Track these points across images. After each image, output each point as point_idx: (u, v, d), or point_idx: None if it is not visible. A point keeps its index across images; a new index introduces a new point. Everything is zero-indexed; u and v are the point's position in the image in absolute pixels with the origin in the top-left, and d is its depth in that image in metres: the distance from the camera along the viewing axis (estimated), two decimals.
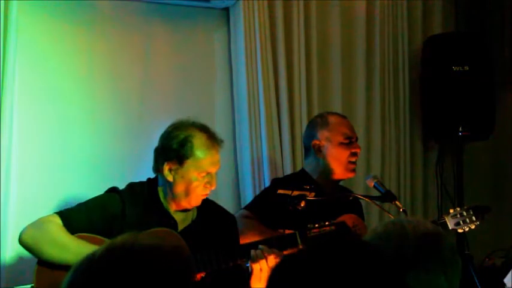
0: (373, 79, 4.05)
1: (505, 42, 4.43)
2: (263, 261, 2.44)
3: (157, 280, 1.18)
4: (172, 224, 2.57)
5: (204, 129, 2.56)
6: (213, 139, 2.55)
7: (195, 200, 2.56)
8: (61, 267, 2.32)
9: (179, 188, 2.53)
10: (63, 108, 3.23)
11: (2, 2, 2.96)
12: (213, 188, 2.56)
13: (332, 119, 3.06)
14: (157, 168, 2.57)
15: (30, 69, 3.13)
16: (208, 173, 2.53)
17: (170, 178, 2.52)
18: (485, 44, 4.11)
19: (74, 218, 2.46)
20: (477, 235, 2.90)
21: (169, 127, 2.60)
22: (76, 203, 2.57)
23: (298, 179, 3.05)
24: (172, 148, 2.51)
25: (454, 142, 4.08)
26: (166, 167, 2.52)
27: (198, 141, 2.51)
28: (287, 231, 2.67)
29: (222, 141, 2.60)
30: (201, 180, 2.51)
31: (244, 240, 2.71)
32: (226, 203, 3.34)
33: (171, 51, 3.54)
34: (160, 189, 2.59)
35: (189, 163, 2.50)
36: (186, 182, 2.51)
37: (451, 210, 2.85)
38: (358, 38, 4.00)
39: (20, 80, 3.06)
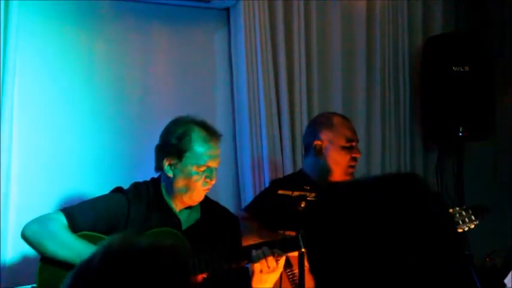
0: (373, 79, 4.04)
1: (505, 42, 4.43)
2: (263, 262, 2.44)
3: (154, 283, 1.18)
4: (176, 222, 2.57)
5: (202, 124, 2.57)
6: (211, 133, 2.56)
7: (197, 196, 2.56)
8: (63, 265, 2.32)
9: (179, 183, 2.53)
10: (63, 108, 3.23)
11: (2, 2, 2.96)
12: (213, 182, 2.55)
13: (336, 121, 3.05)
14: (159, 165, 2.58)
15: (30, 70, 3.13)
16: (208, 167, 2.52)
17: (170, 174, 2.53)
18: (485, 44, 4.10)
19: (79, 217, 2.46)
20: (477, 235, 2.90)
21: (168, 123, 2.62)
22: (77, 203, 2.57)
23: (296, 179, 3.04)
24: (171, 143, 2.52)
25: (454, 142, 4.08)
26: (166, 163, 2.53)
27: (196, 135, 2.52)
28: (287, 233, 2.67)
29: (220, 135, 2.60)
30: (200, 175, 2.51)
31: (243, 242, 2.70)
32: (226, 203, 3.33)
33: (171, 51, 3.54)
34: (162, 187, 2.59)
35: (187, 157, 2.51)
36: (186, 177, 2.52)
37: (451, 210, 2.85)
38: (358, 38, 4.00)
39: (20, 80, 3.06)
